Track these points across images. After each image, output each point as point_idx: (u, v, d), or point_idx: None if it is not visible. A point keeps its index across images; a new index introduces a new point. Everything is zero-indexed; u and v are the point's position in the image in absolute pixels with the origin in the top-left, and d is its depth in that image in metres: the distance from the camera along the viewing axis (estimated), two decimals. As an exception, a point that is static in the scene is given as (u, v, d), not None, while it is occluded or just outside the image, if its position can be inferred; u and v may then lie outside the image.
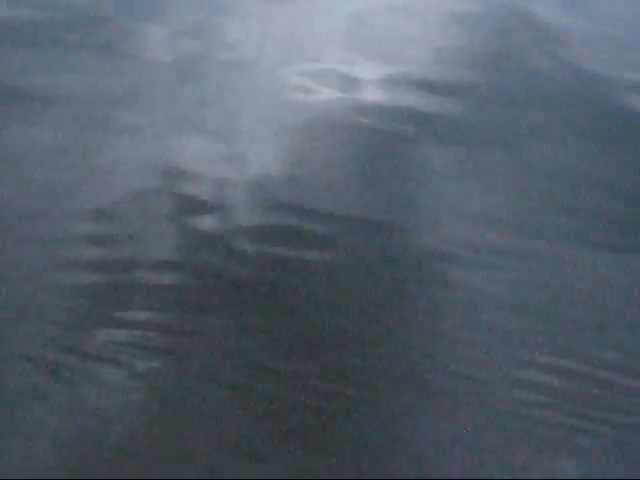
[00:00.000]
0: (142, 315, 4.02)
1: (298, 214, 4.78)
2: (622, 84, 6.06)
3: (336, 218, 4.75)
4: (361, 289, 4.29)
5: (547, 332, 4.11)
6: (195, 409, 3.56)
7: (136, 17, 6.52)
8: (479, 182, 5.17)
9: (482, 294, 4.35)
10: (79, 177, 4.94)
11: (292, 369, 3.77)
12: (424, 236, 4.70)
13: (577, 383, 3.82)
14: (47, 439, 3.35)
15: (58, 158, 5.09)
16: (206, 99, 5.78)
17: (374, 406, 3.63)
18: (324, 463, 3.39)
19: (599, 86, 6.02)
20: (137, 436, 3.42)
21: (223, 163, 5.18)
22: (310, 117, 5.65)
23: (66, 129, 5.32)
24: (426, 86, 6.02)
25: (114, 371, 3.66)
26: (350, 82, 6.04)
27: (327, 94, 5.94)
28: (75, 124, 5.39)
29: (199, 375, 3.74)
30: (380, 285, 4.32)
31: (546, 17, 6.87)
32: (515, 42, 6.51)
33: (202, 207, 4.78)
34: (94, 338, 3.85)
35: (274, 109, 5.69)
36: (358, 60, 6.30)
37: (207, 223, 4.65)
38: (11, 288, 4.09)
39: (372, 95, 5.90)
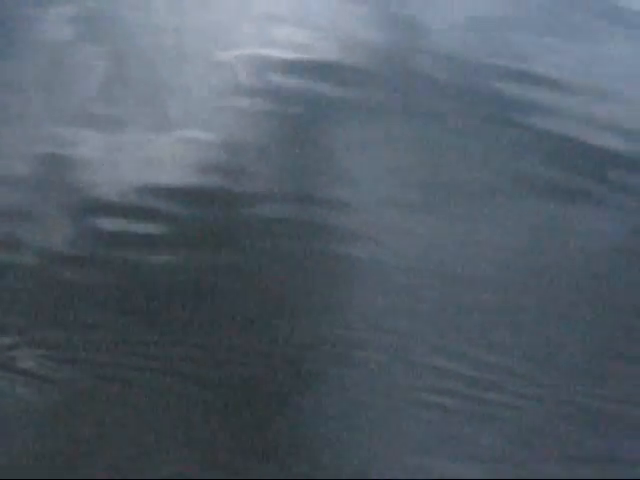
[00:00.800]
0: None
1: (224, 176, 4.74)
2: (494, 71, 6.11)
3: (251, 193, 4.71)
4: (267, 253, 4.27)
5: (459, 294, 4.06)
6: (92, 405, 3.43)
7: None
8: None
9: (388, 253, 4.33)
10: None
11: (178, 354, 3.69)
12: (334, 202, 4.70)
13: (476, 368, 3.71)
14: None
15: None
16: (125, 65, 5.68)
17: (264, 390, 3.57)
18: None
19: (473, 74, 6.14)
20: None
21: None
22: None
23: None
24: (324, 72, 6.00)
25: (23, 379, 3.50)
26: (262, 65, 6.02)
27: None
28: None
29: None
30: (289, 246, 4.32)
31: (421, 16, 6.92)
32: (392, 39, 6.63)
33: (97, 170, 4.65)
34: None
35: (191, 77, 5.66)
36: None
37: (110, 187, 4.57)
38: None
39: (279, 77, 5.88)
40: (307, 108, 5.50)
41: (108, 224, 4.34)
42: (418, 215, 4.63)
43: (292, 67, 5.94)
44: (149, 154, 4.89)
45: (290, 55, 6.07)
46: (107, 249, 4.18)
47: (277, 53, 6.07)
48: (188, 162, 4.88)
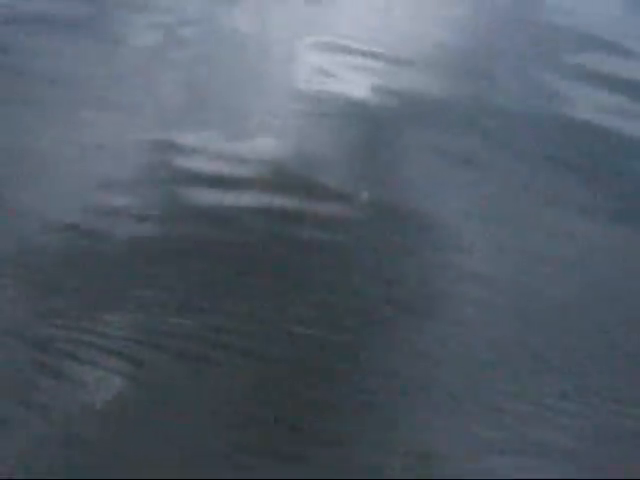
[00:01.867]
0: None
1: (303, 192, 4.77)
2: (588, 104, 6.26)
3: (338, 196, 4.78)
4: (360, 262, 4.35)
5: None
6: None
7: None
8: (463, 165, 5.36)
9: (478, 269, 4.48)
10: (72, 151, 4.91)
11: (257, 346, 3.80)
12: (421, 212, 4.82)
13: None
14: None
15: (52, 132, 5.06)
16: (208, 74, 5.83)
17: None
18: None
19: (564, 105, 6.19)
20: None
21: (227, 136, 5.17)
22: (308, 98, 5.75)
23: (64, 107, 5.35)
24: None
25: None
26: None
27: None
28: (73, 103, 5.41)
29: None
30: (371, 261, 4.38)
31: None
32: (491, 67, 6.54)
33: (206, 180, 4.75)
34: (76, 306, 3.84)
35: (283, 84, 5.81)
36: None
37: (212, 198, 4.61)
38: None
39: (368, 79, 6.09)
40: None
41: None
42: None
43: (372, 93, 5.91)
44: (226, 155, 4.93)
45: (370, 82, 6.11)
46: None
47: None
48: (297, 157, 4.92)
